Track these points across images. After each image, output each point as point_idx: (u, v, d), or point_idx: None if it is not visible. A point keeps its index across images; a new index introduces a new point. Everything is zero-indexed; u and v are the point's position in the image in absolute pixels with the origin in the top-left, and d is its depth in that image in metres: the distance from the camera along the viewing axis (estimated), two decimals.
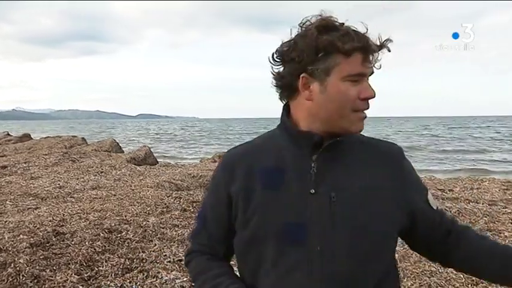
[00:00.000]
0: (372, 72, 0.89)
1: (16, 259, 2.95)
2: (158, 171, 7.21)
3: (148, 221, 3.83)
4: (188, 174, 6.59)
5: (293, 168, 0.91)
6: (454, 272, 2.83)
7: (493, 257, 0.95)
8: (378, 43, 0.86)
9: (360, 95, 0.86)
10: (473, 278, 2.73)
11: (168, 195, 4.86)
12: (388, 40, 0.87)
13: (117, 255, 3.12)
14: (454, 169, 12.59)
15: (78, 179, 6.35)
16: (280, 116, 0.97)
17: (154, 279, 2.70)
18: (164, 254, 3.12)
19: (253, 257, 0.94)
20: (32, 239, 3.34)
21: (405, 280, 2.76)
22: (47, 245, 3.30)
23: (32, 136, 18.57)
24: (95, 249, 3.19)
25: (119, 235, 3.47)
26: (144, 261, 3.01)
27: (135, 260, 3.03)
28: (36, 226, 3.67)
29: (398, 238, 0.98)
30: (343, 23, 0.87)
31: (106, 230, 3.55)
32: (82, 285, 2.70)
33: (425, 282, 2.72)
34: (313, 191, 0.88)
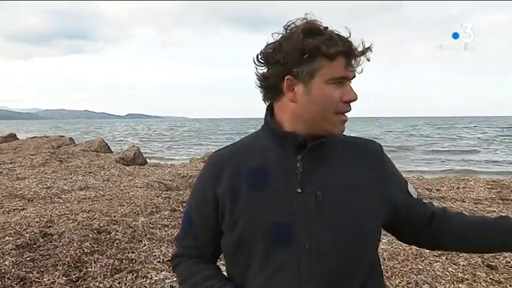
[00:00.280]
0: (354, 76, 0.91)
1: (1, 261, 2.90)
2: (147, 172, 7.16)
3: (137, 221, 3.80)
4: (178, 174, 6.56)
5: (277, 169, 0.93)
6: (441, 269, 2.88)
7: (473, 229, 0.99)
8: (361, 48, 0.89)
9: (343, 98, 0.89)
10: (459, 275, 2.79)
11: (157, 195, 4.84)
12: (370, 47, 0.89)
13: (106, 255, 3.09)
14: (442, 169, 12.79)
15: (66, 179, 6.27)
16: (264, 117, 0.98)
17: (144, 279, 2.69)
18: (154, 254, 3.10)
19: (242, 257, 0.94)
20: (18, 240, 3.29)
21: (393, 278, 2.79)
22: (34, 246, 3.25)
23: (17, 136, 18.24)
24: (83, 250, 3.15)
25: (108, 236, 3.44)
26: (133, 261, 2.99)
27: (124, 261, 3.00)
28: (22, 227, 3.61)
29: (387, 236, 1.00)
30: (327, 27, 0.89)
31: (95, 231, 3.51)
32: (70, 287, 2.67)
33: (412, 279, 2.76)
34: (300, 190, 0.90)
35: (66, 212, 4.18)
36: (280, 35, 0.91)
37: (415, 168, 12.77)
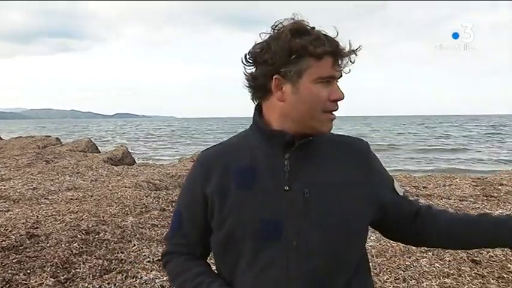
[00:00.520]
0: (341, 76, 0.93)
1: None
2: (136, 171, 7.10)
3: (126, 222, 3.77)
4: (167, 174, 6.53)
5: (266, 167, 0.94)
6: (427, 265, 2.94)
7: (457, 226, 1.01)
8: (348, 48, 0.90)
9: (330, 97, 0.90)
10: (445, 270, 2.85)
11: (146, 195, 4.81)
12: (356, 50, 0.91)
13: (95, 256, 3.06)
14: (429, 168, 12.97)
15: (52, 180, 6.17)
16: (252, 116, 0.99)
17: (134, 279, 2.67)
18: (143, 254, 3.09)
19: (231, 255, 0.95)
20: (3, 242, 3.23)
21: (381, 274, 2.84)
22: (20, 248, 3.20)
23: (1, 136, 17.86)
24: (71, 251, 3.12)
25: (97, 236, 3.41)
26: (123, 261, 2.97)
27: (113, 261, 2.98)
28: (8, 229, 3.55)
29: (375, 233, 1.03)
30: (314, 27, 0.91)
31: (83, 232, 3.47)
32: None
33: (400, 275, 2.81)
34: (287, 188, 0.91)
35: (54, 213, 4.12)
36: (268, 35, 0.92)
37: (403, 167, 12.93)
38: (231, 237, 0.94)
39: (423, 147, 21.13)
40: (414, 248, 3.21)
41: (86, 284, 2.68)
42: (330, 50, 0.88)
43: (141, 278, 2.68)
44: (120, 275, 2.75)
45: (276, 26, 0.92)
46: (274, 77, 0.90)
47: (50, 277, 2.75)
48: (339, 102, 0.93)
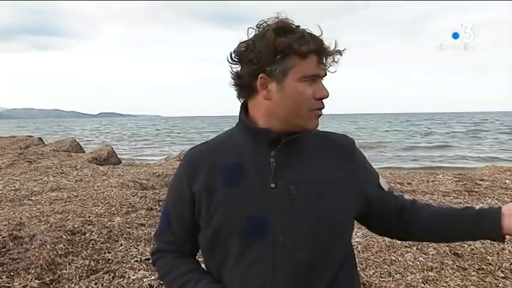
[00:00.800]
0: (326, 74, 0.94)
1: None
2: (122, 171, 7.02)
3: (113, 221, 3.73)
4: (153, 173, 6.48)
5: (252, 165, 0.95)
6: (412, 259, 3.01)
7: (441, 220, 1.03)
8: (332, 47, 0.92)
9: (315, 95, 0.92)
10: (429, 264, 2.92)
11: (133, 194, 4.76)
12: (343, 50, 0.92)
13: (81, 257, 3.02)
14: (414, 166, 13.18)
15: (36, 180, 6.05)
16: (238, 115, 1.00)
17: (121, 279, 2.65)
18: (131, 253, 3.06)
19: (219, 252, 0.97)
20: None
21: (367, 269, 2.89)
22: (3, 250, 3.13)
23: None
24: (57, 252, 3.07)
25: (83, 236, 3.36)
26: (110, 261, 2.94)
27: (100, 261, 2.95)
28: None
29: (361, 229, 1.05)
30: (299, 26, 0.92)
31: (69, 232, 3.42)
32: None
33: (385, 270, 2.87)
34: (273, 185, 0.93)
35: (38, 214, 4.04)
36: (253, 34, 0.93)
37: (389, 164, 13.11)
38: (219, 235, 0.95)
39: (408, 145, 21.44)
40: (399, 243, 3.28)
41: (73, 285, 2.65)
42: (315, 49, 0.89)
43: (129, 277, 2.66)
44: (107, 275, 2.72)
45: (260, 25, 0.92)
46: (259, 75, 0.91)
47: (35, 279, 2.71)
48: (324, 100, 0.94)
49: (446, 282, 2.68)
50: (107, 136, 36.34)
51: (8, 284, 2.63)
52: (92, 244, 3.24)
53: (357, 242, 3.24)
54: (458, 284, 2.65)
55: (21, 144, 12.29)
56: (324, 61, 0.92)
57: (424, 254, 3.08)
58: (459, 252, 3.07)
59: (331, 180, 0.96)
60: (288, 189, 0.92)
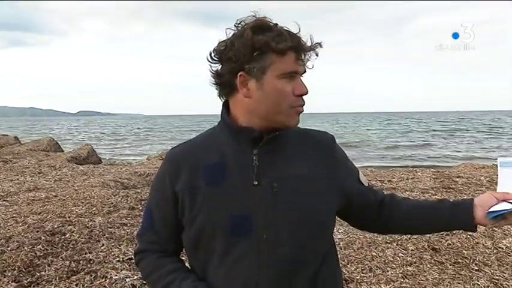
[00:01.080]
0: (305, 71, 0.95)
1: None
2: (103, 170, 6.89)
3: (94, 221, 3.67)
4: (135, 172, 6.39)
5: (235, 163, 0.95)
6: (392, 255, 3.08)
7: (418, 213, 1.07)
8: (310, 43, 0.93)
9: (294, 92, 0.93)
10: (408, 259, 3.00)
11: (114, 194, 4.69)
12: (319, 43, 0.94)
13: (61, 258, 2.96)
14: (394, 165, 13.43)
15: (12, 180, 5.87)
16: (220, 113, 1.01)
17: (103, 279, 2.61)
18: (113, 253, 3.02)
19: (203, 251, 0.97)
20: None
21: (349, 266, 2.95)
22: None
23: None
24: (35, 253, 3.00)
25: (63, 237, 3.29)
26: (91, 262, 2.89)
27: (81, 262, 2.90)
28: None
29: (343, 226, 1.07)
30: (277, 24, 0.93)
31: (48, 233, 3.34)
32: None
33: (367, 266, 2.93)
34: (256, 182, 0.94)
35: (14, 215, 3.93)
36: (232, 33, 0.94)
37: (370, 163, 13.33)
38: (203, 234, 0.96)
39: (389, 145, 21.82)
40: (380, 239, 3.35)
41: (52, 287, 2.59)
42: (292, 46, 0.90)
43: (111, 277, 2.62)
44: (89, 275, 2.68)
45: (238, 24, 0.94)
46: (238, 73, 0.92)
47: (12, 281, 2.64)
48: (304, 98, 0.95)
49: (424, 276, 2.76)
50: (86, 135, 35.57)
51: None
52: (73, 245, 3.18)
53: (339, 238, 3.30)
54: (436, 278, 2.74)
55: None
56: (302, 58, 0.93)
57: (403, 249, 3.16)
58: (437, 247, 3.17)
59: (312, 177, 0.97)
60: (271, 186, 0.94)
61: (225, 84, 0.96)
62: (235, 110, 0.97)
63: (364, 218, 1.09)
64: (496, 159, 1.06)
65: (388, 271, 2.84)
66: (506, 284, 2.65)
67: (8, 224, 3.67)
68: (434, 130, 34.54)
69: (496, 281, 2.68)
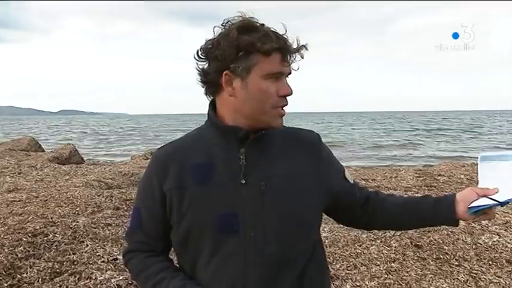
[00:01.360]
0: (290, 72, 0.96)
1: None
2: (86, 170, 6.77)
3: (78, 222, 3.60)
4: (119, 172, 6.30)
5: (222, 162, 0.96)
6: (376, 252, 3.14)
7: (402, 209, 1.09)
8: (296, 45, 0.94)
9: (279, 92, 0.94)
10: (392, 256, 3.06)
11: (98, 194, 4.61)
12: (305, 45, 0.95)
13: (44, 259, 2.90)
14: (379, 165, 13.60)
15: None
16: (207, 112, 1.02)
17: (88, 280, 2.58)
18: (97, 254, 2.98)
19: (191, 250, 0.98)
20: None
21: (334, 263, 2.99)
22: None
23: None
24: (16, 255, 2.93)
25: (45, 238, 3.22)
26: (75, 263, 2.84)
27: (65, 263, 2.84)
28: None
29: (328, 224, 1.09)
30: (264, 24, 0.94)
31: (29, 234, 3.27)
32: None
33: (351, 263, 2.98)
34: (244, 181, 0.95)
35: None
36: (219, 32, 0.95)
37: (354, 162, 13.48)
38: (191, 233, 0.96)
39: (373, 144, 22.08)
40: (364, 236, 3.41)
41: None
42: (278, 47, 0.91)
43: (96, 278, 2.58)
44: (73, 276, 2.63)
45: (226, 24, 0.94)
46: (224, 72, 0.93)
47: None
48: (288, 98, 0.97)
49: (407, 272, 2.82)
50: (69, 134, 34.84)
51: None
52: (56, 246, 3.12)
53: (324, 236, 3.34)
54: (418, 273, 2.80)
55: None
56: (288, 59, 0.94)
57: (387, 246, 3.23)
58: (419, 243, 3.25)
59: (299, 175, 0.99)
60: (258, 184, 0.95)
61: (211, 82, 0.97)
62: (222, 109, 0.98)
63: (349, 215, 1.11)
64: (476, 158, 1.09)
65: (372, 268, 2.90)
66: (484, 277, 2.73)
67: None
68: (418, 129, 35.19)
69: (475, 275, 2.76)
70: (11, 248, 3.02)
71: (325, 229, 3.45)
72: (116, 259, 2.91)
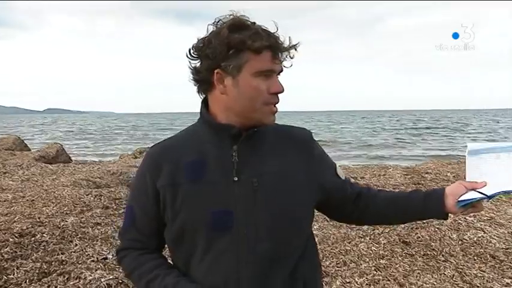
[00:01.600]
0: (281, 70, 0.97)
1: None
2: (74, 169, 6.68)
3: (66, 221, 3.55)
4: (107, 171, 6.23)
5: (215, 159, 0.97)
6: (365, 249, 3.19)
7: (393, 204, 1.11)
8: (287, 43, 0.95)
9: (270, 90, 0.95)
10: (380, 252, 3.11)
11: (87, 193, 4.55)
12: (296, 44, 0.97)
13: (32, 259, 2.85)
14: (365, 164, 13.72)
15: None
16: (199, 110, 1.02)
17: (77, 280, 2.55)
18: (87, 253, 2.94)
19: (185, 247, 0.98)
20: None
21: (324, 260, 3.02)
22: None
23: None
24: (2, 256, 2.87)
25: (33, 238, 3.17)
26: (64, 263, 2.81)
27: (53, 263, 2.80)
28: None
29: (318, 222, 1.10)
30: (255, 23, 0.95)
31: (16, 235, 3.21)
32: None
33: (341, 260, 3.02)
34: (236, 178, 0.95)
35: None
36: (211, 31, 0.95)
37: (343, 161, 13.56)
38: (184, 230, 0.97)
39: (362, 142, 22.22)
40: (353, 233, 3.46)
41: None
42: (268, 45, 0.92)
43: (85, 278, 2.56)
44: (62, 276, 2.60)
45: (217, 22, 0.95)
46: (215, 70, 0.94)
47: None
48: (280, 96, 0.97)
49: (396, 268, 2.87)
50: (55, 133, 34.27)
51: None
52: (44, 246, 3.07)
53: (314, 234, 3.37)
54: (406, 269, 2.85)
55: None
56: (279, 57, 0.95)
57: (376, 243, 3.27)
58: (407, 240, 3.31)
59: (291, 172, 1.00)
60: (251, 181, 0.95)
61: (202, 80, 0.97)
62: (214, 107, 0.99)
63: (341, 211, 1.13)
64: (462, 156, 1.10)
65: (361, 264, 2.94)
66: (469, 272, 2.80)
67: None
68: (406, 128, 35.59)
69: (461, 270, 2.83)
70: None
71: (315, 226, 3.48)
72: (106, 258, 2.89)
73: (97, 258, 2.87)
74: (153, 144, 1.09)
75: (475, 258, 3.01)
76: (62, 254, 2.94)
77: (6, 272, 2.71)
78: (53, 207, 4.00)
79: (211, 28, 0.96)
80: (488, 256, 3.02)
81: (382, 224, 1.31)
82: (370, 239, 3.36)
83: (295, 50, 0.96)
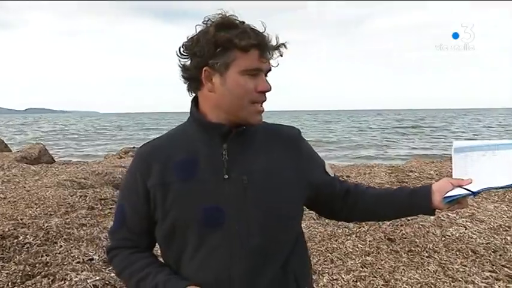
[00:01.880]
0: (270, 69, 0.99)
1: None
2: (57, 170, 6.55)
3: (50, 223, 3.48)
4: (92, 171, 6.13)
5: (205, 158, 0.98)
6: (351, 246, 3.23)
7: (381, 201, 1.13)
8: (275, 42, 0.97)
9: (257, 88, 0.96)
10: (366, 250, 3.16)
11: (71, 194, 4.48)
12: (284, 43, 0.98)
13: (14, 262, 2.79)
14: (352, 164, 13.86)
15: None
16: (189, 109, 1.03)
17: (63, 282, 2.50)
18: (72, 255, 2.89)
19: (177, 244, 0.98)
20: None
21: (311, 258, 3.04)
22: None
23: None
24: None
25: (15, 240, 3.10)
26: (48, 264, 2.76)
27: (37, 265, 2.75)
28: None
29: (305, 220, 1.12)
30: (244, 22, 0.96)
31: None
32: None
33: (328, 257, 3.05)
34: (227, 176, 0.96)
35: None
36: (199, 29, 0.96)
37: (330, 160, 13.68)
38: (176, 228, 0.97)
39: (347, 142, 22.44)
40: (340, 231, 3.50)
41: None
42: (256, 43, 0.94)
43: (71, 279, 2.52)
44: (46, 278, 2.55)
45: (206, 21, 0.96)
46: (203, 68, 0.95)
47: None
48: (267, 95, 0.98)
49: (381, 264, 2.92)
50: (37, 134, 33.50)
51: None
52: (27, 248, 3.01)
53: None
54: (392, 266, 2.91)
55: None
56: (266, 56, 0.96)
57: (362, 241, 3.32)
58: (392, 237, 3.37)
59: (277, 170, 1.01)
60: (241, 179, 0.96)
61: (191, 78, 0.98)
62: (203, 105, 1.00)
63: (330, 207, 1.15)
64: (446, 155, 1.12)
65: (348, 262, 2.98)
66: (451, 267, 2.88)
67: None
68: (392, 127, 36.11)
69: (444, 265, 2.90)
70: None
71: (302, 225, 3.51)
72: (92, 259, 2.85)
73: (83, 259, 2.83)
74: (141, 143, 1.09)
75: (457, 253, 3.09)
76: (46, 255, 2.89)
77: None
78: (36, 208, 3.92)
79: (199, 27, 0.96)
80: (469, 251, 3.11)
81: (370, 220, 1.33)
82: (356, 236, 3.41)
83: (285, 47, 0.98)
